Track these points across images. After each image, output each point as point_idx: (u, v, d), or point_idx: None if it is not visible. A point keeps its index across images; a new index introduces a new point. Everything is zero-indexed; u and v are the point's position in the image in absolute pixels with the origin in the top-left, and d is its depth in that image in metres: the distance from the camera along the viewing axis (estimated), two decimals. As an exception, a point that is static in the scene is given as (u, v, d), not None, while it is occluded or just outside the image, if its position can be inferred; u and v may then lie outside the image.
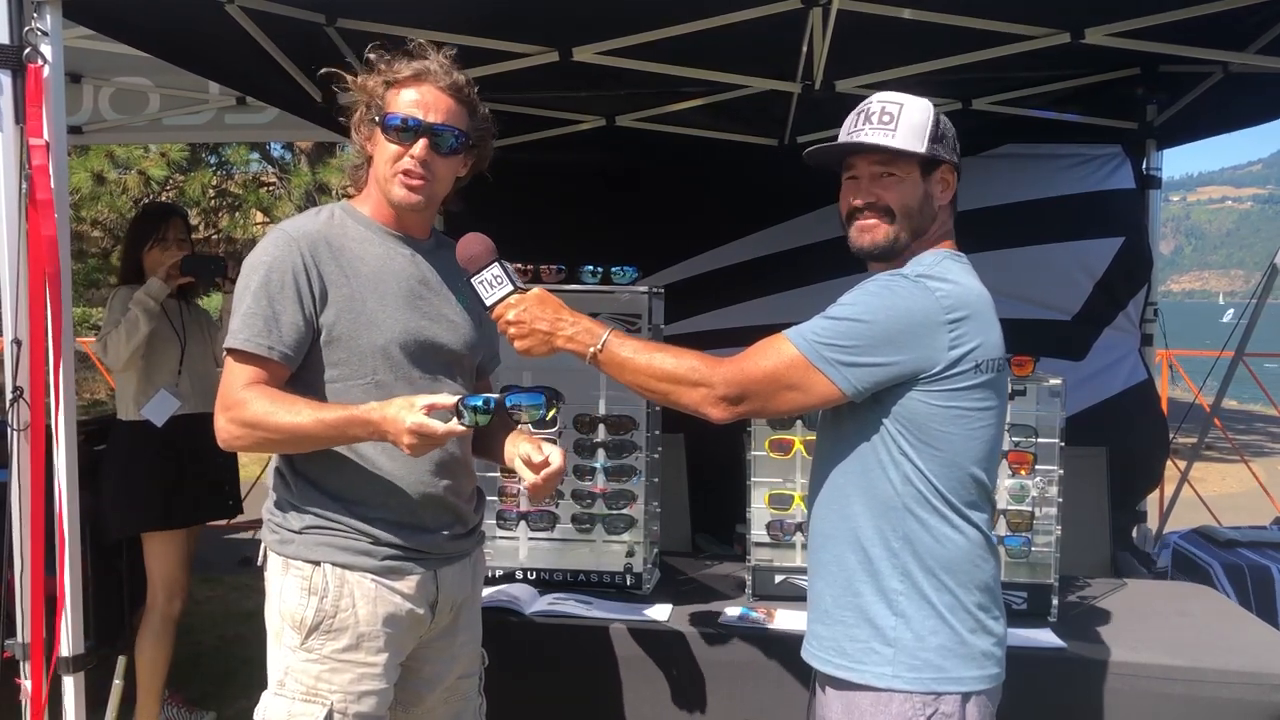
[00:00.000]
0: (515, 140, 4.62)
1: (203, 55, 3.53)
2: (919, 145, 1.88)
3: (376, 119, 2.03)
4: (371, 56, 2.06)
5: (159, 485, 3.63)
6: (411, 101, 2.02)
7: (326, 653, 1.99)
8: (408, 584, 2.05)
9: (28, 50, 2.41)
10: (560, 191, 4.63)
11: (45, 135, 2.41)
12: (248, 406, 1.93)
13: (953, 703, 1.80)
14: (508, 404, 1.94)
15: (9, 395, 2.43)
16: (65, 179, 2.56)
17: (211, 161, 11.21)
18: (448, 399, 1.90)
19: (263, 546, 2.09)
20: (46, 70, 2.43)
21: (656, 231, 4.53)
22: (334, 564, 2.00)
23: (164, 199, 10.62)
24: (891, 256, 1.92)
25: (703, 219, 4.65)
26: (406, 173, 2.02)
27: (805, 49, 3.52)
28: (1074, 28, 3.33)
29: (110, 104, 5.00)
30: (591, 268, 2.87)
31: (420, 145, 2.01)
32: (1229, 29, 3.44)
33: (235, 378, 1.96)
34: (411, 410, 1.86)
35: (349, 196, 2.18)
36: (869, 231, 1.91)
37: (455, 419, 1.88)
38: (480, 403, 1.88)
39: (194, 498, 3.73)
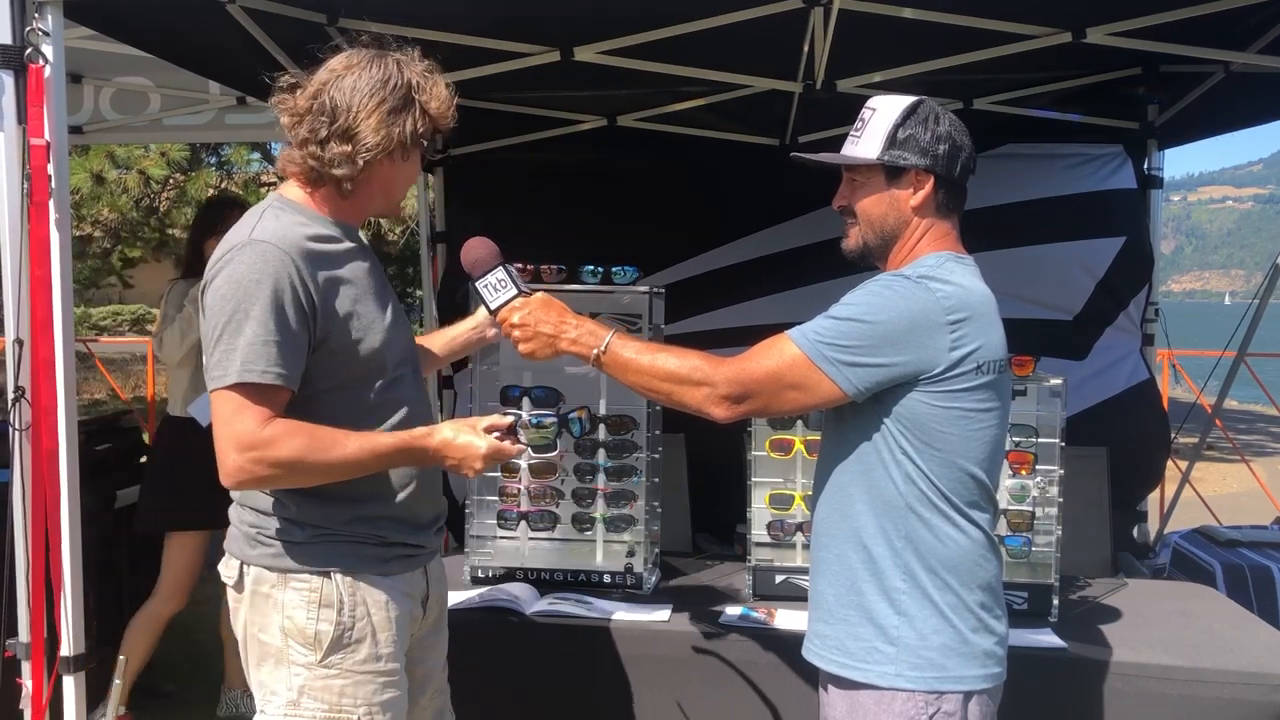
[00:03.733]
0: (515, 140, 4.63)
1: (203, 55, 3.53)
2: (873, 152, 1.88)
3: (425, 136, 1.96)
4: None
5: (190, 486, 3.52)
6: (448, 114, 1.97)
7: (348, 666, 1.91)
8: (408, 582, 2.03)
9: (29, 50, 2.42)
10: (561, 191, 4.63)
11: (46, 135, 2.41)
12: (280, 445, 1.81)
13: (955, 701, 1.80)
14: (549, 420, 2.01)
15: (10, 395, 2.44)
16: (66, 179, 2.57)
17: (212, 161, 11.23)
18: (503, 419, 1.94)
19: (238, 565, 1.96)
20: (48, 70, 2.43)
21: (657, 231, 4.53)
22: (344, 571, 1.93)
23: (164, 199, 10.64)
24: (868, 258, 1.95)
25: (704, 219, 4.65)
26: None
27: (806, 49, 3.52)
28: (1075, 27, 3.33)
29: (111, 104, 5.01)
30: (592, 268, 2.87)
31: None
32: (1230, 28, 3.44)
33: (250, 414, 1.81)
34: (478, 434, 1.89)
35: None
36: (846, 236, 1.97)
37: (511, 437, 1.92)
38: (535, 421, 1.96)
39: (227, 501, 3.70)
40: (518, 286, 2.01)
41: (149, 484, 3.73)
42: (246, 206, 3.96)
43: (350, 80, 1.90)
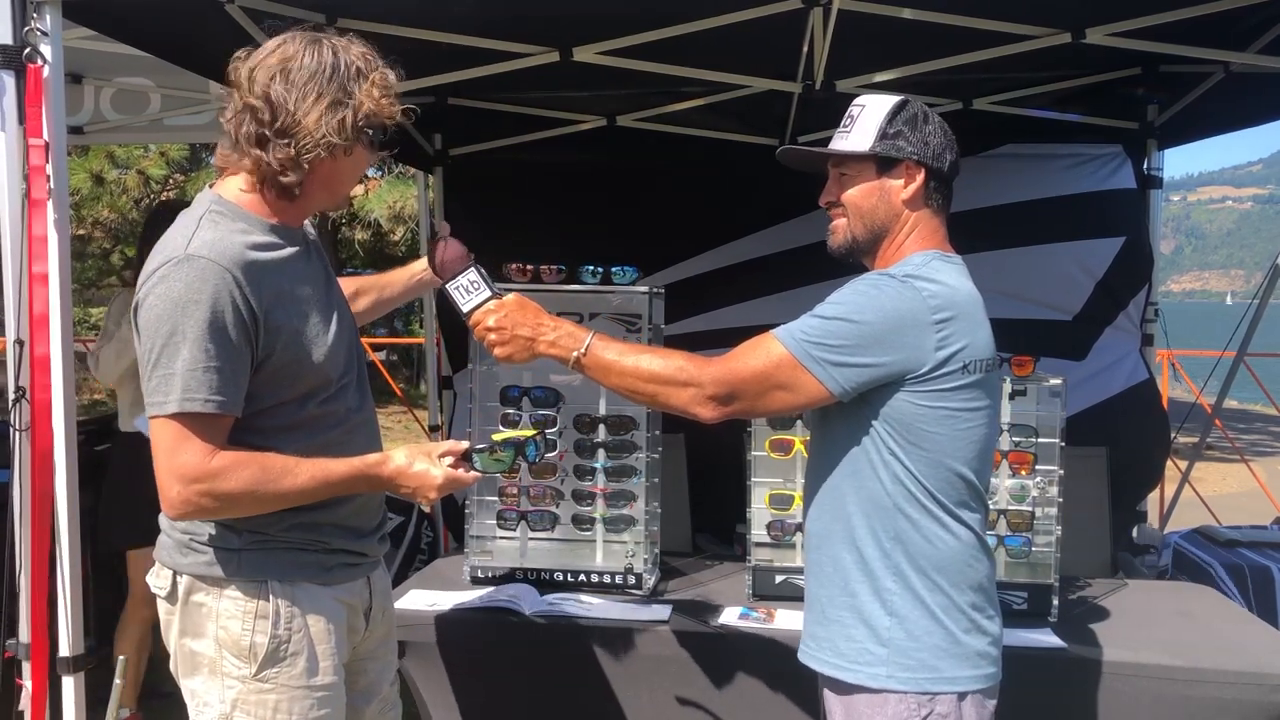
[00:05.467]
0: (515, 140, 4.64)
1: (203, 55, 3.52)
2: (865, 144, 1.88)
3: (370, 134, 1.83)
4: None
5: (148, 501, 3.46)
6: (391, 104, 1.84)
7: (283, 681, 1.84)
8: (350, 592, 1.95)
9: (28, 50, 2.41)
10: (560, 191, 4.63)
11: (45, 135, 2.41)
12: (229, 477, 1.74)
13: (948, 703, 1.80)
14: (501, 447, 1.93)
15: (10, 395, 2.43)
16: (65, 179, 2.56)
17: (212, 161, 11.23)
18: (458, 444, 1.88)
19: (170, 574, 1.89)
20: (46, 70, 2.43)
21: (657, 231, 4.53)
22: (282, 581, 1.85)
23: (165, 199, 10.63)
24: (856, 254, 1.95)
25: (703, 219, 4.65)
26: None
27: (806, 49, 3.51)
28: (1075, 27, 3.33)
29: (111, 104, 4.99)
30: (591, 268, 2.87)
31: None
32: (1230, 29, 3.44)
33: (193, 445, 1.73)
34: (434, 462, 1.83)
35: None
36: (833, 232, 1.96)
37: (465, 464, 1.87)
38: (489, 449, 1.89)
39: None
40: (490, 288, 1.96)
41: (105, 503, 3.65)
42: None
43: (286, 71, 1.79)
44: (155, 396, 1.74)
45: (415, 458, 1.85)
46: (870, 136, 1.89)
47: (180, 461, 1.74)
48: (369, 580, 2.02)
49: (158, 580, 1.91)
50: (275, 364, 1.81)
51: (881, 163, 1.89)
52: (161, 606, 1.92)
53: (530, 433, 2.04)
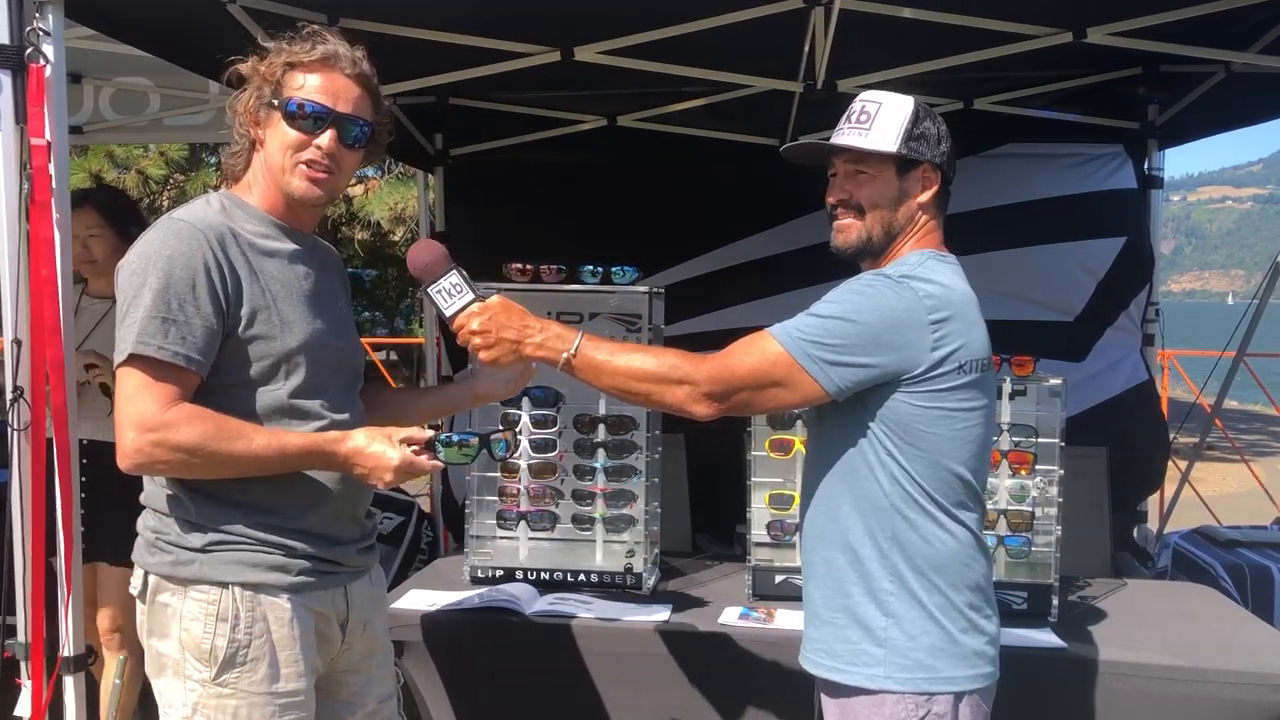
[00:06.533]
0: (515, 140, 4.64)
1: (204, 55, 3.52)
2: (890, 144, 1.87)
3: (275, 102, 1.87)
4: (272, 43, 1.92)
5: (89, 512, 3.15)
6: (318, 87, 1.86)
7: (243, 686, 1.82)
8: (320, 601, 1.91)
9: (29, 50, 2.42)
10: (561, 191, 4.63)
11: (47, 135, 2.41)
12: (181, 429, 1.73)
13: (945, 703, 1.80)
14: (471, 440, 1.89)
15: (9, 395, 2.43)
16: (67, 179, 2.56)
17: (211, 161, 11.21)
18: (421, 433, 1.85)
19: (141, 574, 1.89)
20: (48, 70, 2.43)
21: (657, 231, 4.52)
22: (244, 584, 1.83)
23: (164, 199, 10.63)
24: (866, 255, 1.93)
25: (704, 219, 4.64)
26: (310, 163, 1.87)
27: (807, 49, 3.52)
28: (1075, 27, 3.33)
29: (110, 104, 4.99)
30: (591, 268, 2.87)
31: (328, 136, 1.86)
32: (1230, 29, 3.44)
33: (152, 393, 1.74)
34: (392, 444, 1.81)
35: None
36: (842, 231, 1.93)
37: (428, 453, 1.84)
38: (458, 439, 1.86)
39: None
40: (473, 290, 1.92)
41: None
42: (100, 201, 3.69)
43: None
44: (120, 345, 1.77)
45: (374, 439, 1.83)
46: (894, 137, 1.87)
47: (137, 409, 1.75)
48: (346, 591, 1.98)
49: (133, 579, 1.92)
50: (242, 338, 1.83)
51: (902, 164, 1.89)
52: (137, 606, 1.92)
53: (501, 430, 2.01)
